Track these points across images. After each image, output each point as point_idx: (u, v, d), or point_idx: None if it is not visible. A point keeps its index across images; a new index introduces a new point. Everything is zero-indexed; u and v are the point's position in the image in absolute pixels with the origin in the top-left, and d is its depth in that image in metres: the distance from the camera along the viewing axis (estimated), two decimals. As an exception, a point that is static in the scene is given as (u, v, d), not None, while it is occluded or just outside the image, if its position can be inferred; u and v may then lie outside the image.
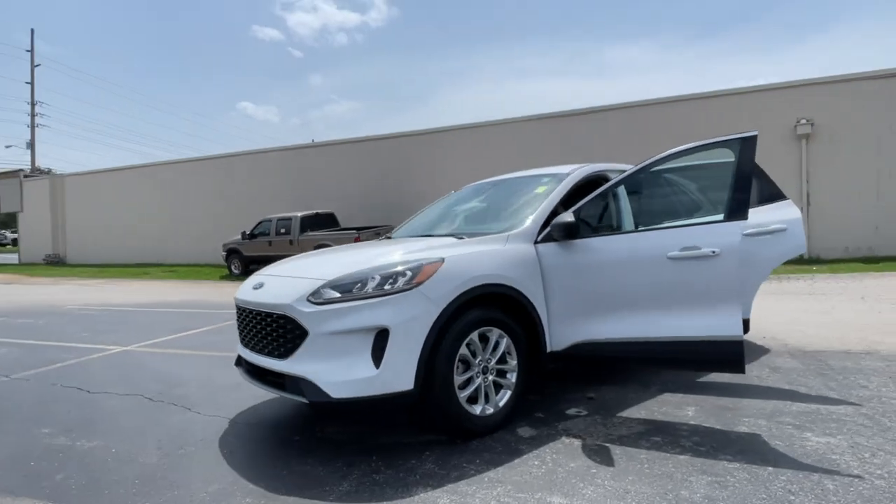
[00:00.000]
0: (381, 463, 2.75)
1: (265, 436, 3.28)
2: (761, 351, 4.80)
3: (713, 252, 3.07)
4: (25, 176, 27.43)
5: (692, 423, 3.13)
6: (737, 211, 3.10)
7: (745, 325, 4.32)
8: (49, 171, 29.75)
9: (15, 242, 36.76)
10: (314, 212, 15.59)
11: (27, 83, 39.94)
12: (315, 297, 2.80)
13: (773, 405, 3.36)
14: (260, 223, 15.80)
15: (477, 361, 3.03)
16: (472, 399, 3.02)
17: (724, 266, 3.05)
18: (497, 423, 3.07)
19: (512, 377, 3.19)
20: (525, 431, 3.09)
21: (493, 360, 3.11)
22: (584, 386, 3.92)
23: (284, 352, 2.89)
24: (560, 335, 3.36)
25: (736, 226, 3.08)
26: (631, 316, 3.26)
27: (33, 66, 39.86)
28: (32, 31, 39.20)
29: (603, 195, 3.51)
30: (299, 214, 15.13)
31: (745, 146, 3.15)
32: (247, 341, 3.27)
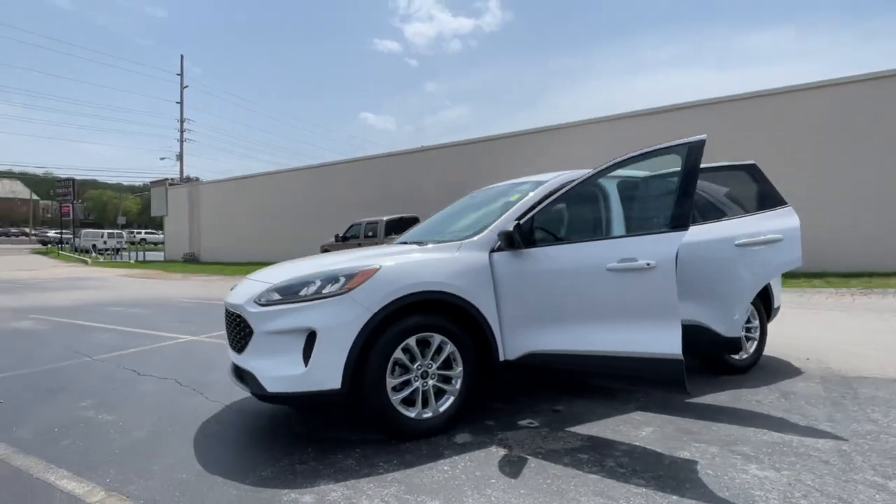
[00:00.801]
0: (313, 455, 2.98)
1: (243, 422, 3.65)
2: (793, 372, 4.35)
3: (648, 264, 2.91)
4: (170, 184, 31.56)
5: (635, 443, 2.99)
6: (678, 221, 2.91)
7: (736, 341, 3.97)
8: (189, 180, 34.01)
9: (143, 241, 42.22)
10: (398, 216, 16.26)
11: (177, 103, 45.76)
12: (260, 299, 3.10)
13: (743, 433, 3.10)
14: (351, 226, 16.87)
15: (415, 366, 3.15)
16: (410, 402, 3.14)
17: (661, 279, 2.89)
18: (435, 428, 3.16)
19: (457, 383, 3.26)
20: (462, 437, 3.15)
21: (435, 366, 3.20)
22: (557, 397, 3.85)
23: (240, 348, 3.23)
24: (513, 344, 3.36)
25: (675, 237, 2.90)
26: (575, 328, 3.19)
27: (182, 88, 45.53)
28: (182, 56, 44.72)
29: (552, 204, 3.45)
30: (385, 218, 15.92)
31: (692, 152, 2.94)
32: (228, 339, 3.67)
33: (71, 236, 41.07)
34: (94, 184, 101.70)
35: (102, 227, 59.63)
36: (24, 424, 3.67)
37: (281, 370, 2.95)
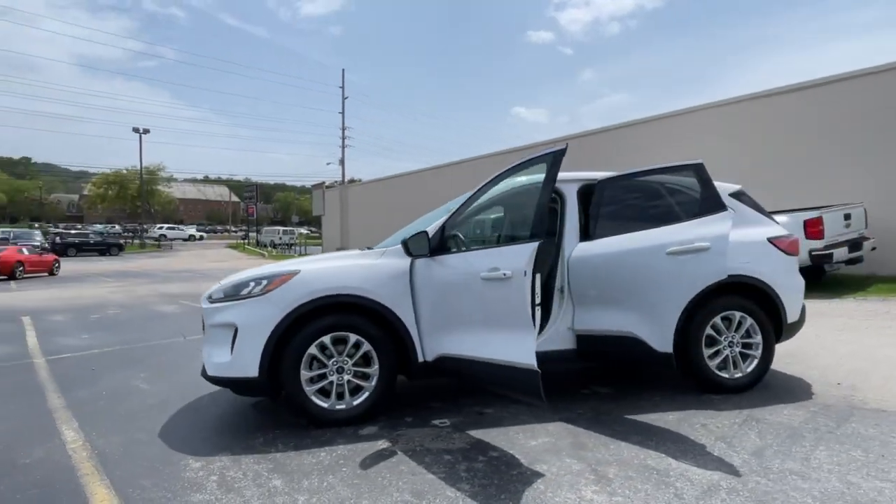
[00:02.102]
0: (238, 433, 3.51)
1: (228, 403, 4.29)
2: (793, 398, 3.83)
3: (505, 275, 2.90)
4: (326, 187, 35.28)
5: (510, 451, 3.01)
6: (533, 231, 2.84)
7: (668, 356, 3.62)
8: (352, 181, 37.69)
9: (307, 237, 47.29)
10: None
11: (339, 113, 50.62)
12: (211, 297, 3.71)
13: (633, 454, 2.93)
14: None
15: (331, 362, 3.50)
16: (327, 393, 3.51)
17: (514, 289, 2.88)
18: (347, 419, 3.48)
19: (373, 381, 3.54)
20: (368, 430, 3.43)
21: (350, 362, 3.52)
22: (494, 401, 3.90)
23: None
24: (429, 347, 3.54)
25: (527, 248, 2.84)
26: (462, 334, 3.28)
27: (343, 99, 50.25)
28: (343, 70, 49.38)
29: (458, 212, 3.53)
30: None
31: (553, 162, 2.83)
32: None
33: (255, 233, 48.00)
34: (282, 187, 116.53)
35: (286, 225, 68.39)
36: (90, 387, 4.77)
37: (216, 358, 3.53)
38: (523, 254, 2.90)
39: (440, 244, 3.51)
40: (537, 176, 3.97)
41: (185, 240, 54.30)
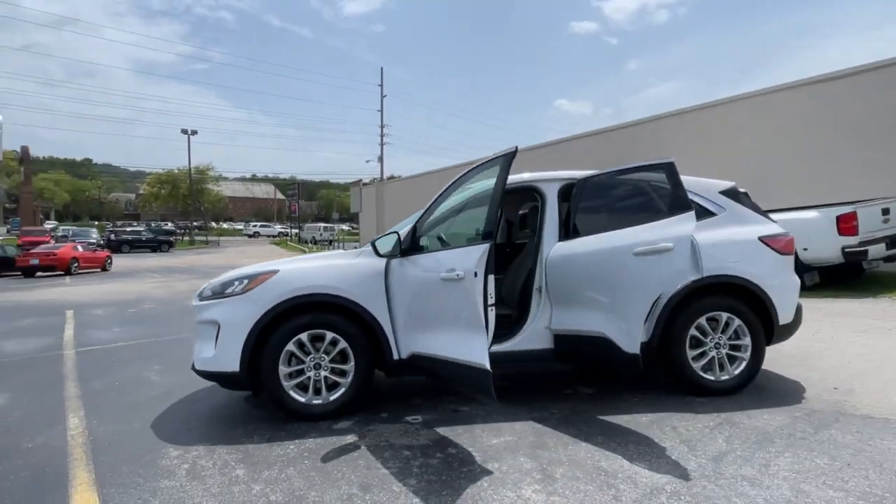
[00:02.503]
0: (222, 425, 3.70)
1: (224, 398, 4.51)
2: (780, 402, 3.72)
3: (458, 275, 2.95)
4: (364, 184, 35.86)
5: (468, 449, 3.07)
6: (485, 233, 2.87)
7: (634, 357, 3.62)
8: (392, 178, 38.18)
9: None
10: None
11: (378, 111, 51.21)
12: (201, 294, 3.90)
13: (589, 455, 2.94)
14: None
15: (309, 359, 3.64)
16: (305, 388, 3.64)
17: (467, 290, 2.93)
18: (323, 413, 3.61)
19: (349, 377, 3.66)
20: (342, 424, 3.55)
21: (327, 359, 3.65)
22: (475, 399, 3.94)
23: (197, 333, 4.09)
24: (403, 344, 3.63)
25: (478, 249, 2.88)
26: (432, 332, 3.34)
27: (382, 97, 50.84)
28: (382, 69, 49.98)
29: (427, 212, 3.59)
30: None
31: (504, 165, 2.84)
32: None
33: (297, 229, 49.27)
34: (326, 184, 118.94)
35: (328, 222, 69.72)
36: (106, 378, 5.10)
37: (203, 353, 3.72)
38: (474, 255, 2.94)
39: (412, 244, 3.58)
40: (515, 176, 4.00)
41: (274, 236, 56.00)
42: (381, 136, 51.48)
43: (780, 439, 3.06)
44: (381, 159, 50.37)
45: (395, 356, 3.66)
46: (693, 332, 3.88)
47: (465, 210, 3.67)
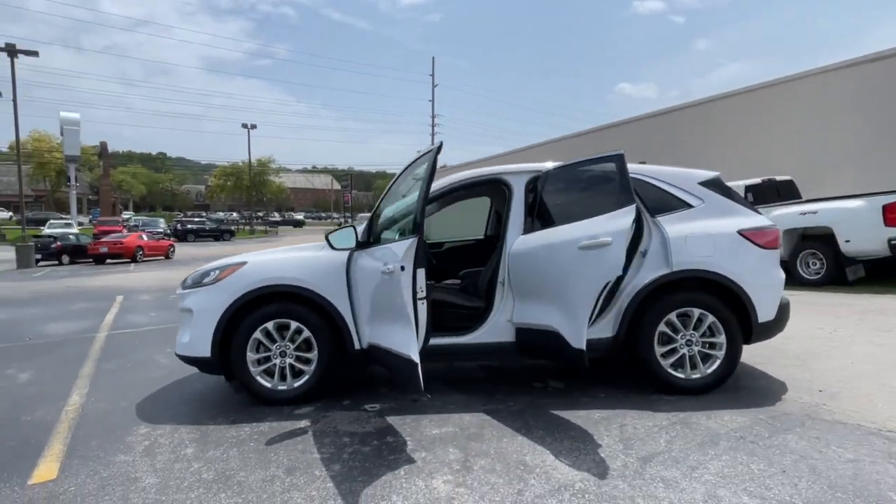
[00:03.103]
0: (194, 407, 3.94)
1: (215, 385, 4.79)
2: (751, 403, 3.57)
3: (390, 269, 3.01)
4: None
5: (404, 437, 3.14)
6: (413, 227, 2.90)
7: (580, 353, 3.57)
8: (443, 168, 38.48)
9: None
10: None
11: (429, 101, 51.45)
12: (183, 284, 4.14)
13: (515, 447, 2.93)
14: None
15: (275, 346, 3.80)
16: (272, 374, 3.82)
17: (396, 283, 2.98)
18: (287, 399, 3.77)
19: (312, 365, 3.80)
20: (302, 410, 3.70)
21: (292, 347, 3.80)
22: (443, 389, 4.00)
23: (185, 320, 4.35)
24: (363, 335, 3.73)
25: (403, 244, 2.92)
26: (381, 324, 3.41)
27: (433, 87, 51.01)
28: (433, 58, 50.07)
29: (378, 206, 3.64)
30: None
31: (431, 158, 2.84)
32: None
33: (350, 219, 50.49)
34: (382, 175, 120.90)
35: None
36: (121, 359, 5.51)
37: (181, 338, 3.96)
38: (400, 249, 2.99)
39: (370, 237, 3.66)
40: (486, 169, 4.00)
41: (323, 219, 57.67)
42: (433, 125, 51.70)
43: (727, 442, 2.94)
44: (432, 149, 50.62)
45: (357, 346, 3.77)
46: (663, 328, 3.76)
47: (407, 204, 3.72)
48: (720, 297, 3.77)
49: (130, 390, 4.38)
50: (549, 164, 3.97)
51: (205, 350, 3.79)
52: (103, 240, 22.97)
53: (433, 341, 3.81)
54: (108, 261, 21.99)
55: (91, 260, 22.20)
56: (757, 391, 3.80)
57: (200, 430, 3.40)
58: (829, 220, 8.61)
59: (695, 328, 3.77)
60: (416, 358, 2.87)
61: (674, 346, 3.78)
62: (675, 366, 3.78)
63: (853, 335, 5.32)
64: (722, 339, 3.74)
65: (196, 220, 44.83)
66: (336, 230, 3.67)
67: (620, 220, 3.10)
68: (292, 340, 3.81)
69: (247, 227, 50.96)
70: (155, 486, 2.67)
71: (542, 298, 3.56)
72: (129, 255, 22.05)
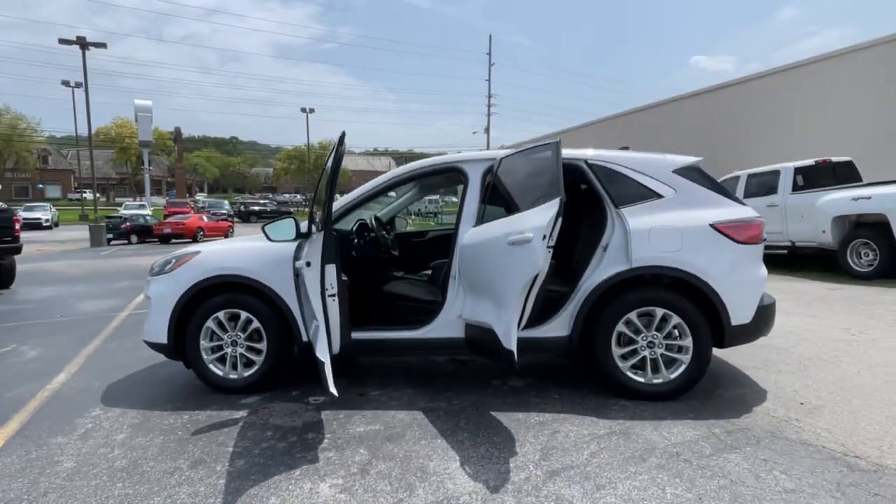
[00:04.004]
0: (154, 394, 4.06)
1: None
2: (717, 414, 3.25)
3: (307, 264, 2.95)
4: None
5: (324, 434, 3.08)
6: (321, 222, 2.80)
7: (508, 354, 3.30)
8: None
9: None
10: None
11: (486, 80, 50.74)
12: (150, 271, 4.24)
13: (428, 454, 2.79)
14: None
15: (227, 336, 3.84)
16: (225, 362, 3.87)
17: (311, 278, 2.89)
18: (236, 388, 3.80)
19: (261, 356, 3.81)
20: (248, 399, 3.71)
21: (243, 337, 3.82)
22: (399, 385, 3.91)
23: (156, 306, 4.47)
24: (309, 327, 3.69)
25: (317, 238, 2.83)
26: (307, 318, 3.33)
27: (490, 65, 50.20)
28: (490, 36, 49.12)
29: (315, 198, 3.54)
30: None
31: (336, 145, 2.69)
32: None
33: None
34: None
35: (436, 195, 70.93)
36: (124, 339, 5.77)
37: (145, 324, 4.08)
38: (313, 245, 2.91)
39: (310, 229, 3.59)
40: (443, 157, 3.82)
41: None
42: (488, 105, 51.04)
43: (657, 458, 2.68)
44: (487, 130, 50.10)
45: (305, 338, 3.73)
46: (622, 328, 3.48)
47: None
48: (688, 296, 3.44)
49: (115, 371, 4.58)
50: (503, 153, 3.72)
51: (162, 337, 3.88)
52: (167, 221, 24.39)
53: (385, 335, 3.72)
54: (173, 240, 23.32)
55: (157, 240, 23.66)
56: (728, 400, 3.45)
57: (144, 416, 3.49)
58: (884, 206, 7.73)
59: (658, 329, 3.47)
60: (323, 357, 2.79)
61: (635, 348, 3.49)
62: (635, 369, 3.50)
63: (878, 339, 4.75)
64: (688, 341, 3.42)
65: (260, 202, 46.74)
66: (274, 221, 3.60)
67: (543, 215, 2.84)
68: (244, 330, 3.82)
69: (306, 209, 52.63)
70: (68, 471, 2.75)
71: (482, 294, 3.37)
72: (190, 236, 23.29)
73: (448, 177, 4.14)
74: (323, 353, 2.80)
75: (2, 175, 54.01)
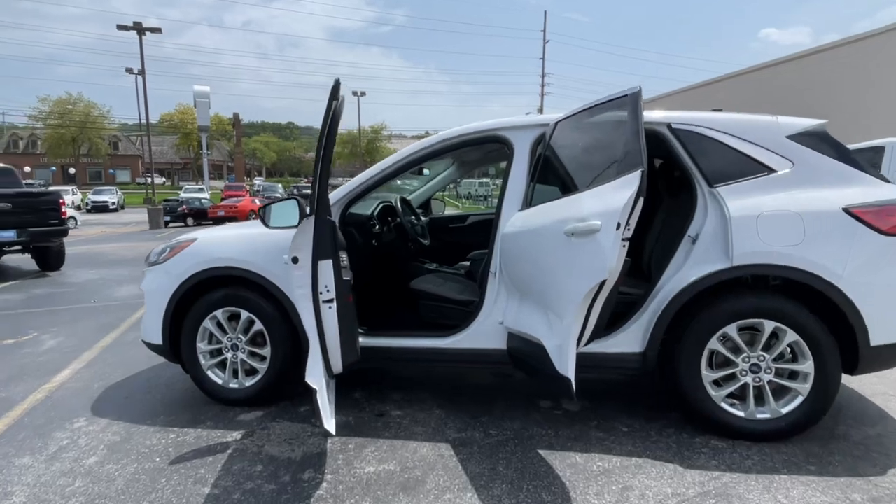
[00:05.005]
0: (155, 401, 3.56)
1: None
2: (868, 464, 2.37)
3: (284, 261, 2.28)
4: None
5: (329, 474, 2.44)
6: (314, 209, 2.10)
7: (565, 382, 2.49)
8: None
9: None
10: None
11: (540, 59, 49.00)
12: (146, 260, 3.71)
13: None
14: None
15: (226, 338, 3.26)
16: (224, 368, 3.30)
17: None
18: (237, 399, 3.24)
19: (265, 363, 3.21)
20: (248, 416, 3.13)
21: (244, 340, 3.24)
22: (419, 403, 3.24)
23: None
24: (318, 332, 3.05)
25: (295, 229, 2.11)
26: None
27: (545, 43, 48.43)
28: (545, 13, 47.27)
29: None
30: None
31: (328, 111, 1.97)
32: None
33: (455, 185, 50.06)
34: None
35: (487, 176, 69.86)
36: (144, 330, 5.39)
37: (142, 323, 3.57)
38: (303, 233, 2.24)
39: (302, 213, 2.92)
40: (479, 123, 3.09)
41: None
42: (542, 84, 49.39)
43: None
44: (540, 110, 48.47)
45: (315, 344, 3.10)
46: (715, 345, 2.65)
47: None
48: (810, 305, 2.56)
49: (120, 369, 4.14)
50: (557, 116, 2.92)
51: (156, 337, 3.36)
52: (221, 204, 24.75)
53: (406, 343, 3.05)
54: (227, 223, 23.63)
55: (211, 222, 24.04)
56: (861, 445, 2.58)
57: (128, 432, 2.97)
58: None
59: (766, 348, 2.61)
60: (316, 383, 2.13)
61: (732, 372, 2.66)
62: (732, 399, 2.67)
63: None
64: (807, 366, 2.55)
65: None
66: (274, 202, 2.91)
67: (616, 195, 2.04)
68: (245, 332, 3.24)
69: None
70: (11, 510, 2.24)
71: (530, 298, 2.62)
72: (243, 218, 23.52)
73: (487, 149, 3.39)
74: (316, 378, 2.14)
75: (77, 160, 57.04)
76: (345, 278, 2.44)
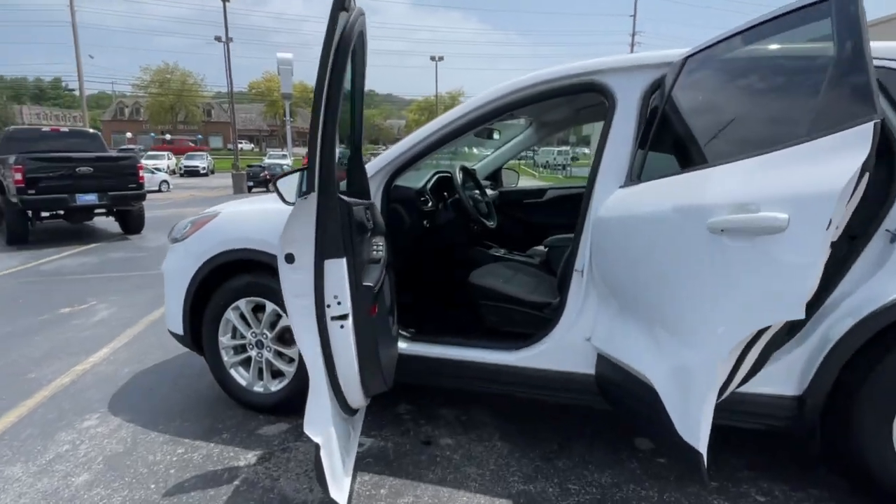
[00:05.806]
0: (162, 398, 3.13)
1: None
2: None
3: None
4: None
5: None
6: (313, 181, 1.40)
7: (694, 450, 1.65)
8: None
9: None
10: None
11: (630, 16, 45.68)
12: (169, 235, 3.22)
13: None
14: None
15: (250, 333, 2.73)
16: (249, 366, 2.79)
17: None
18: (263, 405, 2.73)
19: (293, 365, 2.66)
20: (269, 429, 2.61)
21: (270, 337, 2.69)
22: (479, 430, 2.57)
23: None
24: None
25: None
26: None
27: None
28: (638, -35, 43.55)
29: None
30: None
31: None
32: None
33: (532, 153, 48.15)
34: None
35: (567, 144, 67.14)
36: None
37: (165, 309, 3.12)
38: (298, 216, 1.56)
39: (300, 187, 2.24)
40: (570, 65, 2.31)
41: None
42: (632, 45, 46.24)
43: None
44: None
45: (351, 347, 2.50)
46: (917, 397, 1.75)
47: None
48: None
49: (157, 350, 3.79)
50: (683, 51, 2.04)
51: (177, 325, 2.89)
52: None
53: (460, 354, 2.38)
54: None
55: (287, 188, 24.44)
56: None
57: (134, 440, 2.54)
58: None
59: None
60: (318, 436, 1.50)
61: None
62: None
63: None
64: None
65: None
66: (290, 173, 2.26)
67: (814, 168, 1.19)
68: (271, 328, 2.69)
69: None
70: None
71: (635, 313, 1.84)
72: (315, 185, 23.73)
73: (577, 101, 2.55)
74: (317, 428, 1.51)
75: (175, 127, 60.52)
76: (367, 283, 1.77)
